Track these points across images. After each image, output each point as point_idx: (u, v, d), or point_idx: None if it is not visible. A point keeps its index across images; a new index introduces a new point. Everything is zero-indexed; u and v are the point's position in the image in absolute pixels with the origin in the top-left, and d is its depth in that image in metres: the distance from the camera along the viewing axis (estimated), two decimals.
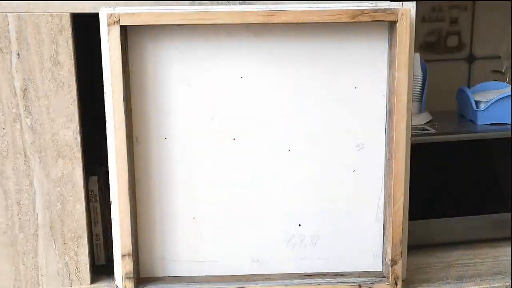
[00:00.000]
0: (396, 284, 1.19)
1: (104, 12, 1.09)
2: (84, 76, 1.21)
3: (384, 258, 1.23)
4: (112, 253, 1.20)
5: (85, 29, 1.22)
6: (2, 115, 1.14)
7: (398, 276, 1.19)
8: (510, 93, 1.43)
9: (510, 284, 1.25)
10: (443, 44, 1.68)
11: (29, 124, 1.14)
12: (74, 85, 1.14)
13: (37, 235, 1.19)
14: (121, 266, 1.17)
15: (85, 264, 1.21)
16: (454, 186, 1.39)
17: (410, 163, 1.19)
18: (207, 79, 1.16)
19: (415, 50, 1.26)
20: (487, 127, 1.43)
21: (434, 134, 1.38)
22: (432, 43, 1.68)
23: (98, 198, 1.24)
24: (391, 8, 1.11)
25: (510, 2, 1.65)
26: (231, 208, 1.21)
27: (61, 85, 1.13)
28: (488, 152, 1.39)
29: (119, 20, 1.08)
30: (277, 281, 1.21)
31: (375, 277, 1.22)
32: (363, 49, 1.16)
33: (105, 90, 1.12)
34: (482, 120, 1.44)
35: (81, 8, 1.11)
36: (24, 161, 1.16)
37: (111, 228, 1.19)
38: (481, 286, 1.24)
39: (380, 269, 1.24)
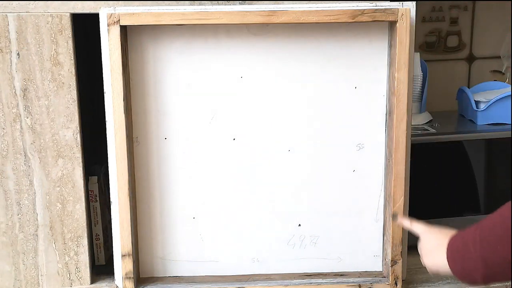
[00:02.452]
0: (396, 284, 1.19)
1: (104, 12, 1.09)
2: (84, 76, 1.21)
3: (384, 258, 1.23)
4: (112, 253, 1.20)
5: (85, 29, 1.22)
6: (2, 115, 1.14)
7: (398, 276, 1.19)
8: (510, 93, 1.43)
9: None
10: (443, 44, 1.68)
11: (29, 124, 1.14)
12: (74, 85, 1.14)
13: (37, 235, 1.19)
14: (121, 266, 1.17)
15: (85, 264, 1.21)
16: (454, 186, 1.39)
17: (410, 163, 1.19)
18: (207, 79, 1.16)
19: (415, 50, 1.26)
20: (487, 127, 1.43)
21: (434, 134, 1.38)
22: (432, 43, 1.68)
23: (98, 198, 1.24)
24: (391, 8, 1.11)
25: (510, 2, 1.65)
26: (231, 208, 1.21)
27: (61, 85, 1.13)
28: (488, 152, 1.39)
29: (119, 20, 1.08)
30: (277, 281, 1.21)
31: (375, 277, 1.22)
32: (363, 49, 1.16)
33: (105, 90, 1.12)
34: (482, 120, 1.44)
35: (81, 8, 1.11)
36: (24, 161, 1.16)
37: (111, 228, 1.19)
38: (481, 286, 1.23)
39: (380, 269, 1.24)
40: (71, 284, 1.22)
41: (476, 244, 0.91)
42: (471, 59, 1.71)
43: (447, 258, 0.96)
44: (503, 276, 0.92)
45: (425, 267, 1.04)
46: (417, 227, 1.05)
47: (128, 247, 1.15)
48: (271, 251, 1.23)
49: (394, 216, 1.09)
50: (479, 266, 0.90)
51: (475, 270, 0.91)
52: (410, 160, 1.19)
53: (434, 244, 0.99)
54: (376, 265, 1.24)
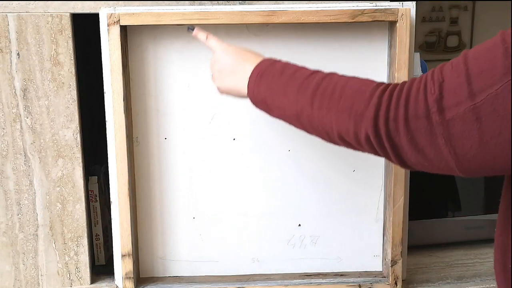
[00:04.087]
0: (396, 284, 1.19)
1: (104, 12, 1.09)
2: (84, 76, 1.21)
3: (384, 258, 1.23)
4: (112, 253, 1.20)
5: (85, 29, 1.22)
6: (2, 115, 1.14)
7: (398, 276, 1.19)
8: None
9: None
10: (443, 44, 1.68)
11: (29, 124, 1.14)
12: (74, 85, 1.14)
13: (37, 235, 1.19)
14: (121, 266, 1.17)
15: (85, 264, 1.21)
16: (454, 186, 1.39)
17: None
18: (207, 79, 1.16)
19: (415, 50, 1.26)
20: None
21: None
22: (432, 43, 1.68)
23: (98, 198, 1.24)
24: (391, 8, 1.11)
25: (510, 2, 1.65)
26: (231, 208, 1.21)
27: (61, 85, 1.13)
28: None
29: (119, 20, 1.08)
30: (277, 281, 1.21)
31: (375, 277, 1.22)
32: (363, 49, 1.16)
33: (105, 90, 1.13)
34: None
35: (81, 8, 1.11)
36: (24, 161, 1.16)
37: (111, 228, 1.19)
38: (481, 286, 1.24)
39: (380, 269, 1.24)
40: (71, 284, 1.22)
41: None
42: None
43: (252, 79, 0.88)
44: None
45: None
46: (213, 43, 0.97)
47: (128, 247, 1.15)
48: (271, 251, 1.23)
49: (190, 29, 1.01)
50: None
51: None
52: None
53: (235, 65, 0.92)
54: (376, 265, 1.24)
